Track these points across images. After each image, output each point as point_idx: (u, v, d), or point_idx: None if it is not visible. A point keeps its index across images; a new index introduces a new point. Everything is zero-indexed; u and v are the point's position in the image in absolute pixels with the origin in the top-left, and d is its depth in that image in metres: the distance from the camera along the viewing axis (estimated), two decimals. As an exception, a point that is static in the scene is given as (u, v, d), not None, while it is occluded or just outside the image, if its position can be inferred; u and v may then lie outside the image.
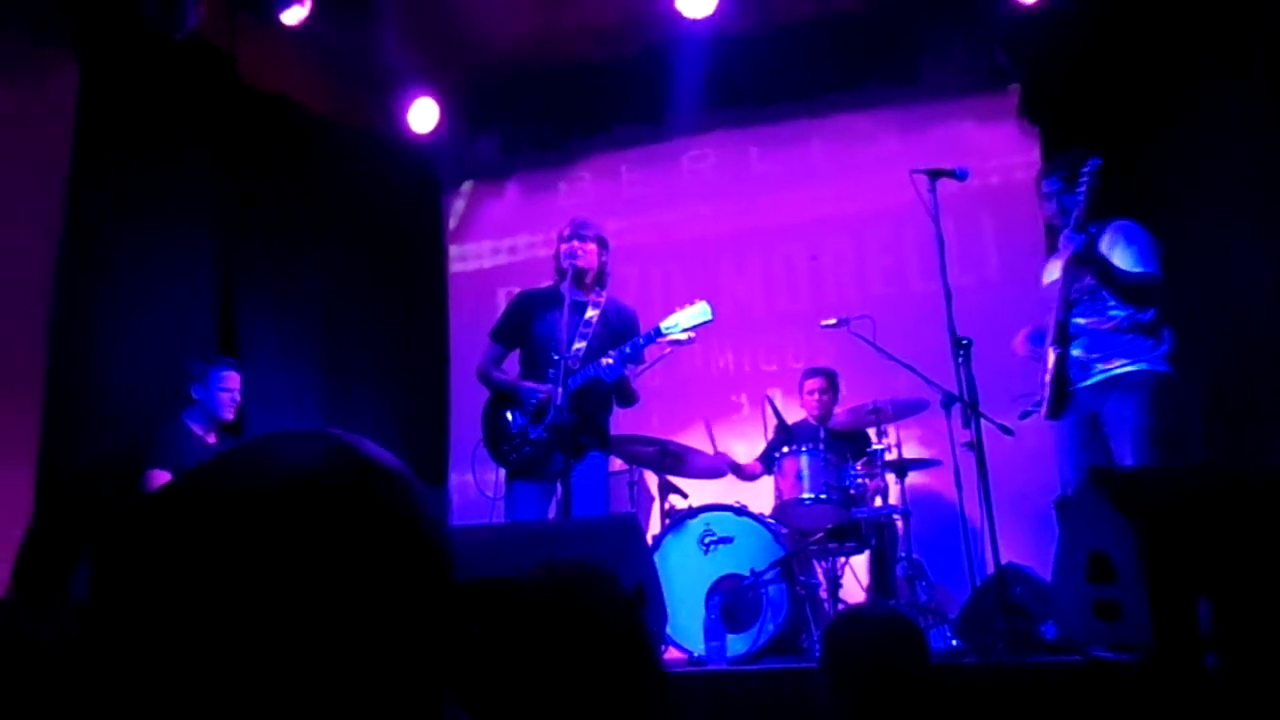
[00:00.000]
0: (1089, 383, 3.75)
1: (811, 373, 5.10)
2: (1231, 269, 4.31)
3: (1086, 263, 3.67)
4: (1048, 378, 3.82)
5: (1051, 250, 4.13)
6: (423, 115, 5.76)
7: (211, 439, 4.36)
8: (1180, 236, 4.11)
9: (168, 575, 0.56)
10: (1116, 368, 3.69)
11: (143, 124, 4.63)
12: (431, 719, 0.62)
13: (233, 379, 4.41)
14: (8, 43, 4.18)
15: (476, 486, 4.29)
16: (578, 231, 4.11)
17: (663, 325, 3.90)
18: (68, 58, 4.38)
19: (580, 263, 4.04)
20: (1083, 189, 3.64)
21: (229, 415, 4.40)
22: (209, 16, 4.61)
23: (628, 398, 4.07)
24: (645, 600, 2.95)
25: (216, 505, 0.58)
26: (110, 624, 0.57)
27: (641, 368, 4.17)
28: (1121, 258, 3.71)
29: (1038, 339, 3.93)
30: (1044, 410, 3.85)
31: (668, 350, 4.29)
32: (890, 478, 4.49)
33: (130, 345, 4.51)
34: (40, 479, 4.03)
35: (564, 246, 4.09)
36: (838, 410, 4.92)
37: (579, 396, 3.86)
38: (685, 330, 3.90)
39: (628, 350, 3.88)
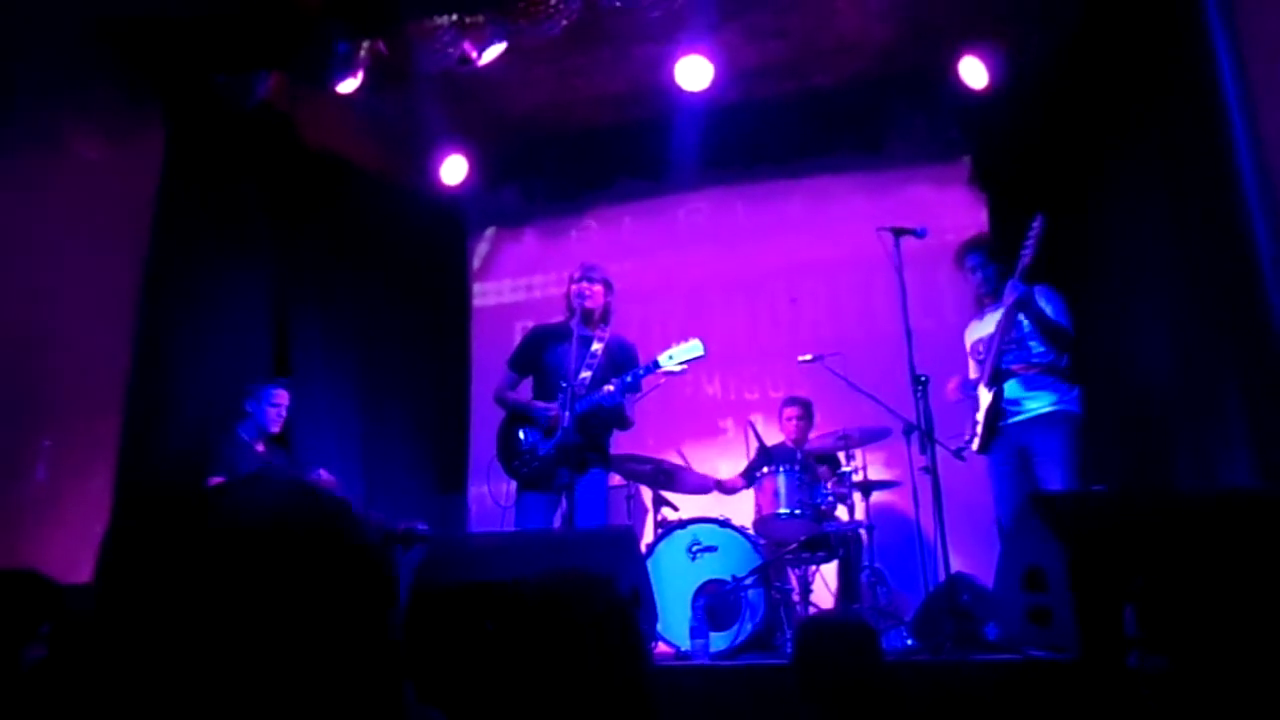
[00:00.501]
0: (1017, 419, 3.84)
1: (790, 401, 5.14)
2: (1137, 328, 4.41)
3: (1027, 307, 3.77)
4: (979, 416, 3.91)
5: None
6: (453, 170, 5.82)
7: (260, 448, 4.38)
8: (1099, 296, 4.23)
9: (166, 580, 0.63)
10: (1040, 407, 3.79)
11: (215, 176, 4.72)
12: (392, 702, 0.68)
13: (282, 396, 4.45)
14: (107, 107, 4.29)
15: (490, 496, 4.33)
16: (587, 274, 4.15)
17: (660, 358, 3.95)
18: (156, 121, 4.49)
19: (589, 303, 4.08)
20: (1030, 242, 3.73)
21: (275, 428, 4.43)
22: (273, 86, 4.71)
23: (623, 422, 4.11)
24: (640, 602, 2.99)
25: (207, 541, 0.64)
26: (117, 632, 0.63)
27: (639, 396, 4.22)
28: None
29: (968, 385, 4.04)
30: (975, 444, 3.94)
31: (662, 380, 4.34)
32: (857, 496, 4.52)
33: (199, 366, 4.56)
34: (119, 481, 4.06)
35: (574, 287, 4.13)
36: (812, 435, 4.96)
37: (584, 420, 3.89)
38: (680, 363, 3.95)
39: (628, 379, 3.93)
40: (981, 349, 4.00)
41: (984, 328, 4.03)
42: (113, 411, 4.16)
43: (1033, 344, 3.86)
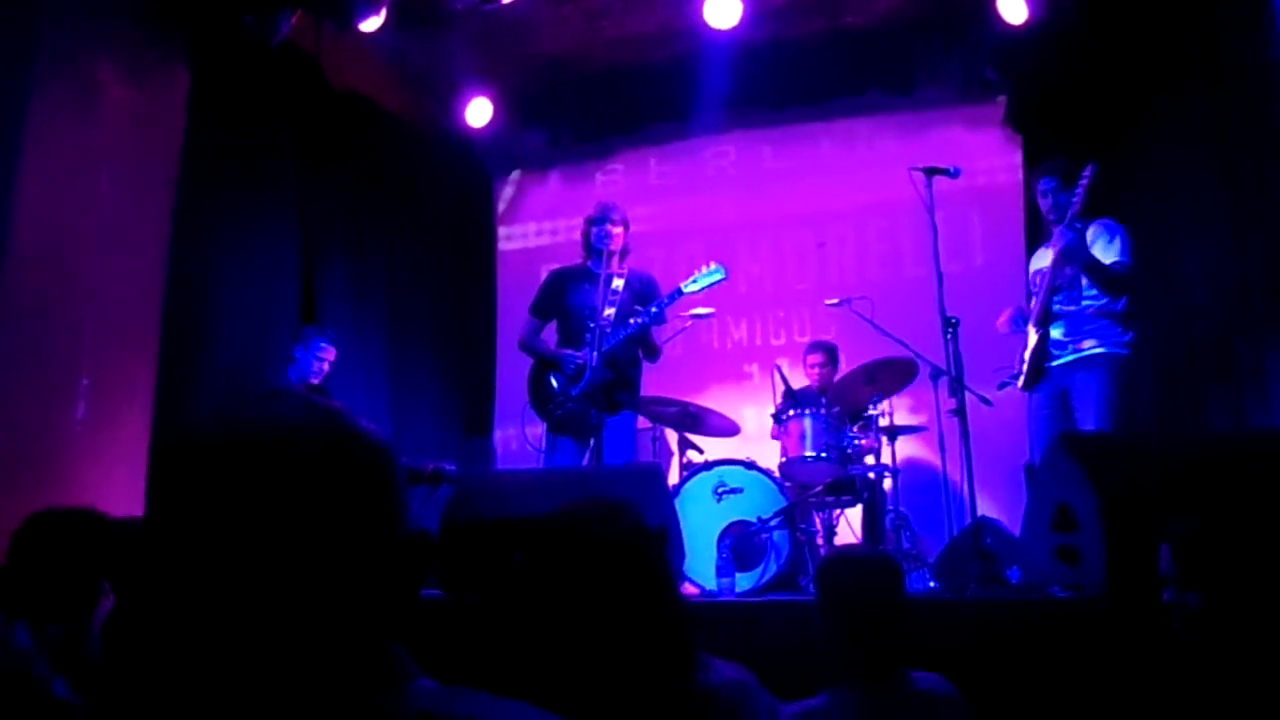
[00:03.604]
0: (1062, 361, 3.76)
1: (813, 348, 5.10)
2: (1179, 267, 4.30)
3: (1075, 255, 3.66)
4: (1027, 354, 3.83)
5: (1033, 242, 4.11)
6: (478, 112, 5.77)
7: None
8: (1139, 237, 4.10)
9: (194, 497, 0.63)
10: (1087, 349, 3.70)
11: (241, 119, 4.69)
12: (387, 631, 0.67)
13: (328, 351, 4.50)
14: (130, 51, 4.26)
15: (522, 437, 4.36)
16: (607, 215, 4.12)
17: (683, 285, 3.96)
18: (180, 64, 4.46)
19: (612, 245, 4.06)
20: (1080, 190, 3.62)
21: (316, 380, 4.49)
22: (298, 26, 4.65)
23: (651, 350, 4.10)
24: (667, 538, 3.01)
25: (234, 450, 0.64)
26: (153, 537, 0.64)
27: (665, 336, 4.20)
28: (1103, 251, 3.70)
29: (1019, 320, 3.93)
30: (1020, 382, 3.87)
31: (689, 323, 4.32)
32: (883, 441, 4.51)
33: (230, 306, 4.59)
34: (156, 425, 4.12)
35: (594, 229, 4.11)
36: (836, 380, 4.93)
37: (613, 356, 3.91)
38: (702, 287, 3.94)
39: (653, 310, 3.93)
40: (1039, 282, 3.88)
41: (1045, 258, 3.87)
42: (148, 351, 4.22)
43: (1085, 287, 3.75)
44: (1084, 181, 3.60)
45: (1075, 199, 3.62)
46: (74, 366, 3.93)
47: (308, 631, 0.62)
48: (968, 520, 3.55)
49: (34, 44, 3.86)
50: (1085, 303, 3.73)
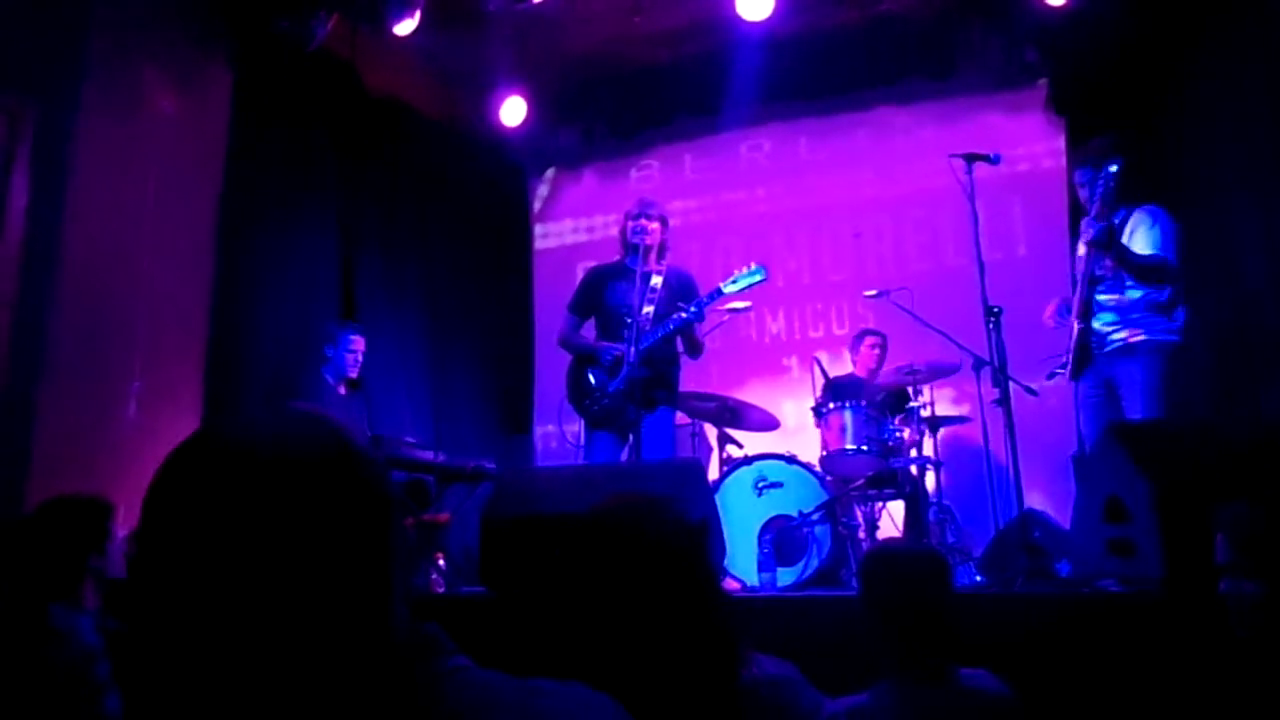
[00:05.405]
0: (1106, 350, 3.67)
1: (869, 331, 5.07)
2: (1233, 248, 4.16)
3: (1104, 248, 3.57)
4: (1071, 345, 3.74)
5: (1078, 228, 4.00)
6: (512, 111, 5.79)
7: (341, 390, 4.52)
8: (1192, 219, 3.98)
9: (196, 508, 0.63)
10: (1131, 338, 3.60)
11: (281, 123, 4.78)
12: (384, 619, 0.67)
13: (358, 342, 4.56)
14: (174, 59, 4.36)
15: (561, 435, 4.37)
16: (644, 211, 4.09)
17: (723, 285, 3.92)
18: (222, 70, 4.55)
19: (648, 239, 4.03)
20: (1100, 187, 3.53)
21: (353, 373, 4.56)
22: (334, 31, 4.71)
23: (694, 346, 4.07)
24: (708, 532, 2.99)
25: (238, 467, 0.64)
26: (152, 546, 0.64)
27: (704, 331, 4.18)
28: (1142, 241, 3.60)
29: (1064, 310, 3.85)
30: (1067, 372, 3.78)
31: (726, 317, 4.29)
32: (924, 432, 4.44)
33: (274, 308, 4.68)
34: (205, 420, 4.21)
35: (631, 224, 4.08)
36: (885, 369, 4.88)
37: (650, 354, 3.89)
38: (742, 287, 3.90)
39: (692, 309, 3.90)
40: (1079, 271, 3.80)
41: (1082, 249, 3.79)
42: (195, 352, 4.31)
43: (1127, 276, 3.65)
44: (1105, 179, 3.50)
45: (1098, 194, 3.53)
46: (127, 369, 4.02)
47: (300, 646, 0.62)
48: (1014, 513, 3.48)
49: (84, 55, 3.96)
50: (1129, 293, 3.63)
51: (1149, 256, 3.56)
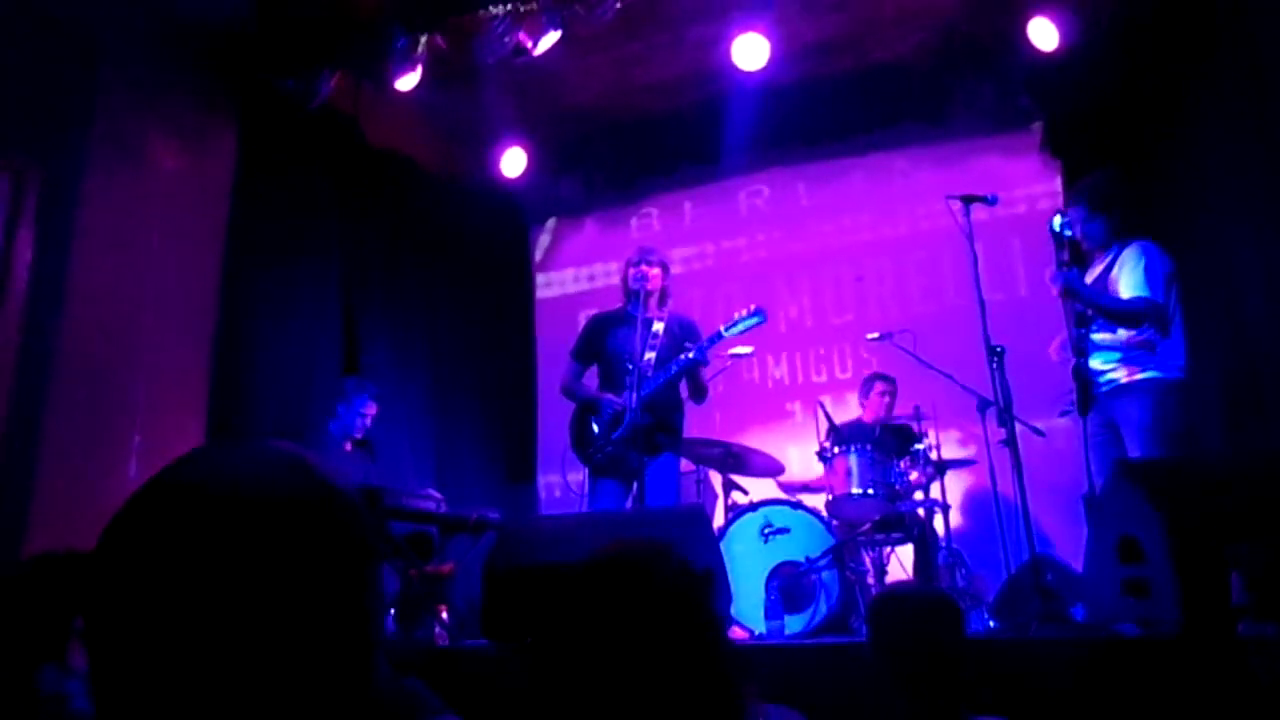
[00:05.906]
0: (1105, 389, 3.65)
1: (878, 377, 5.01)
2: (1237, 284, 4.15)
3: (1071, 297, 3.59)
4: (1074, 382, 3.72)
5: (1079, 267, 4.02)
6: (513, 162, 5.85)
7: (347, 446, 4.50)
8: (1190, 252, 3.99)
9: (158, 550, 0.60)
10: (1125, 376, 3.58)
11: (285, 179, 4.83)
12: (363, 671, 0.65)
13: (371, 407, 4.57)
14: (180, 118, 4.43)
15: (564, 485, 4.33)
16: (645, 258, 4.12)
17: (723, 329, 3.92)
18: (227, 128, 4.62)
19: (649, 285, 4.05)
20: (1053, 242, 3.57)
21: (358, 435, 4.55)
22: (337, 87, 4.79)
23: (699, 390, 4.06)
24: (714, 582, 2.94)
25: (201, 507, 0.62)
26: (114, 593, 0.60)
27: (707, 377, 4.16)
28: (1125, 280, 3.59)
29: (1068, 346, 3.84)
30: (1076, 409, 3.77)
31: (729, 362, 4.27)
32: (932, 474, 4.39)
33: (275, 361, 4.67)
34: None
35: (632, 271, 4.11)
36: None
37: (652, 400, 3.87)
38: (741, 330, 3.90)
39: (693, 354, 3.89)
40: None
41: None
42: (197, 406, 4.30)
43: None
44: (1053, 237, 3.54)
45: (1063, 251, 3.56)
46: (128, 426, 4.01)
47: (269, 705, 0.59)
48: (1025, 556, 3.42)
49: (89, 115, 4.02)
50: (1120, 332, 3.62)
51: (1122, 301, 3.55)
